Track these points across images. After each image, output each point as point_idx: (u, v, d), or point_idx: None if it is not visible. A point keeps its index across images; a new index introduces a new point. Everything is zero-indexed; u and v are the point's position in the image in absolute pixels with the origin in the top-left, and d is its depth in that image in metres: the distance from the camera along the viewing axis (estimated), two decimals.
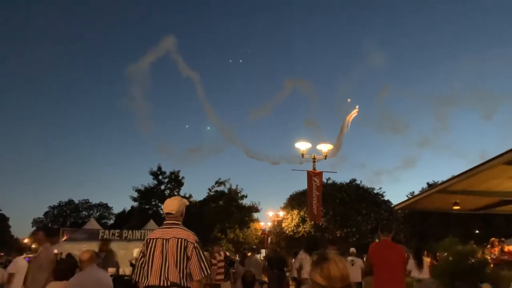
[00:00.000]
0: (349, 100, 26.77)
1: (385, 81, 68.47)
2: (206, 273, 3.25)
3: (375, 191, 33.30)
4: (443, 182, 9.58)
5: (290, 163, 15.16)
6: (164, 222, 3.48)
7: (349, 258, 10.74)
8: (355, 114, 24.15)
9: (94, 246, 14.22)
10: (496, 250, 11.95)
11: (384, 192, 33.68)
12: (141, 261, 3.33)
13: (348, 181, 33.54)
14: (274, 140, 78.46)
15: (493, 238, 12.66)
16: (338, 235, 29.56)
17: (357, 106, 24.15)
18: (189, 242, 3.25)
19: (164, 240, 3.26)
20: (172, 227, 3.36)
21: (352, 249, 11.42)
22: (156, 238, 3.31)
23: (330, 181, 32.40)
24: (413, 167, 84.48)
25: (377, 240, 5.94)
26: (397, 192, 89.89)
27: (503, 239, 13.17)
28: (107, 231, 18.46)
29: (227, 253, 11.14)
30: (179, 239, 3.24)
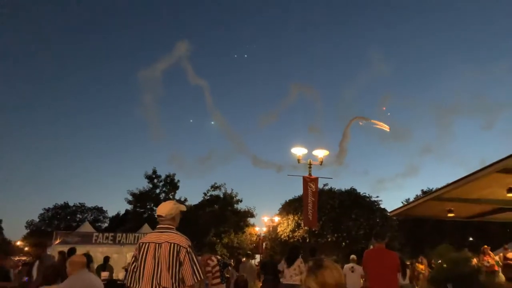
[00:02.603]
0: (384, 108, 27.01)
1: (387, 90, 68.99)
2: (199, 278, 3.19)
3: (372, 199, 33.27)
4: (437, 190, 9.62)
5: (294, 169, 15.04)
6: (157, 226, 3.45)
7: (349, 264, 10.70)
8: (384, 129, 24.17)
9: (88, 249, 14.13)
10: (489, 258, 11.92)
11: (380, 200, 33.64)
12: (133, 266, 3.28)
13: (347, 189, 33.55)
14: (271, 144, 78.47)
15: (485, 246, 12.54)
16: (329, 239, 29.54)
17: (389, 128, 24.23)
18: (181, 247, 3.20)
19: (157, 245, 3.22)
20: (165, 232, 3.32)
21: (352, 256, 11.33)
22: (149, 243, 3.27)
23: (327, 187, 32.42)
24: (412, 175, 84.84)
25: (371, 247, 5.96)
26: (392, 198, 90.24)
27: (506, 246, 13.13)
28: (100, 234, 18.31)
29: (219, 257, 11.06)
30: (172, 244, 3.20)
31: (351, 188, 33.47)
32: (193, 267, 3.19)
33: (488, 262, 11.71)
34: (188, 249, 3.23)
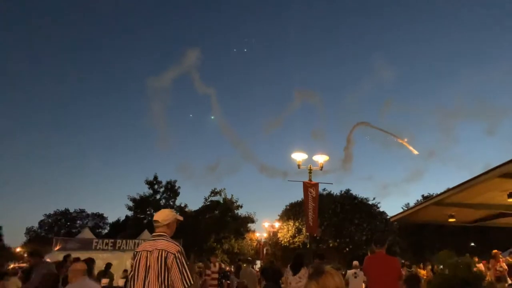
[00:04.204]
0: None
1: (390, 94, 69.19)
2: (188, 284, 3.21)
3: (370, 202, 33.28)
4: (438, 195, 9.58)
5: (299, 174, 14.96)
6: (152, 234, 3.54)
7: (352, 270, 10.70)
8: (410, 148, 24.45)
9: (88, 256, 14.05)
10: (501, 263, 11.81)
11: (379, 203, 33.64)
12: (130, 274, 3.41)
13: (343, 192, 33.56)
14: (271, 149, 78.54)
15: (495, 251, 12.39)
16: (330, 245, 29.45)
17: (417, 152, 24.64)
18: (169, 253, 3.25)
19: (148, 252, 3.29)
20: (157, 239, 3.40)
21: (355, 262, 11.35)
22: (141, 251, 3.35)
23: (326, 192, 32.44)
24: (415, 181, 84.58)
25: (369, 253, 5.98)
26: (394, 203, 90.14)
27: None
28: (100, 241, 18.26)
29: (222, 265, 11.11)
30: (160, 251, 3.26)
31: (345, 191, 33.51)
32: (182, 272, 3.22)
33: (501, 267, 11.65)
34: (177, 254, 3.26)
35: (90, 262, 9.72)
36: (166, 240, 3.36)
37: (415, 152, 25.86)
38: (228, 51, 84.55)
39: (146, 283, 3.18)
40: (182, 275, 3.19)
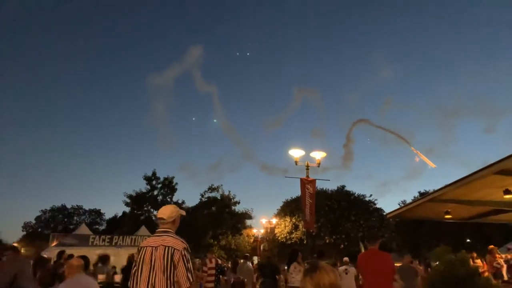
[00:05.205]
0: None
1: (390, 93, 69.29)
2: (191, 280, 3.26)
3: (366, 199, 33.36)
4: (434, 191, 9.61)
5: (300, 171, 14.86)
6: (156, 230, 3.54)
7: (343, 267, 10.74)
8: (428, 163, 24.57)
9: (85, 251, 14.07)
10: (498, 258, 11.89)
11: (376, 200, 33.73)
12: (134, 269, 3.38)
13: (337, 189, 33.62)
14: (269, 146, 78.52)
15: (492, 246, 12.47)
16: (327, 241, 29.56)
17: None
18: (175, 250, 3.27)
19: (153, 248, 3.30)
20: (162, 235, 3.40)
21: (346, 258, 11.40)
22: (146, 246, 3.35)
23: (319, 189, 32.50)
24: (414, 178, 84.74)
25: (362, 250, 6.02)
26: (391, 200, 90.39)
27: (509, 246, 13.03)
28: (97, 237, 18.28)
29: (219, 261, 11.14)
30: (166, 247, 3.27)
31: (341, 186, 33.57)
32: (188, 268, 3.25)
33: (499, 263, 11.74)
34: (183, 251, 3.28)
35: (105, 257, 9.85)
36: (172, 237, 3.37)
37: (433, 165, 26.08)
38: (229, 50, 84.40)
39: (152, 278, 3.20)
40: (188, 271, 3.24)
